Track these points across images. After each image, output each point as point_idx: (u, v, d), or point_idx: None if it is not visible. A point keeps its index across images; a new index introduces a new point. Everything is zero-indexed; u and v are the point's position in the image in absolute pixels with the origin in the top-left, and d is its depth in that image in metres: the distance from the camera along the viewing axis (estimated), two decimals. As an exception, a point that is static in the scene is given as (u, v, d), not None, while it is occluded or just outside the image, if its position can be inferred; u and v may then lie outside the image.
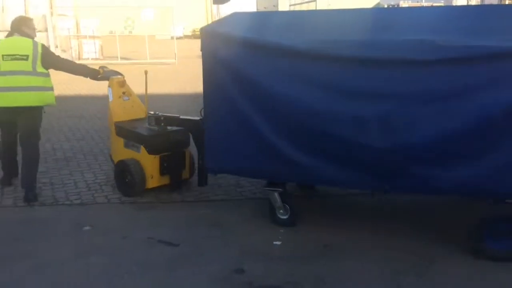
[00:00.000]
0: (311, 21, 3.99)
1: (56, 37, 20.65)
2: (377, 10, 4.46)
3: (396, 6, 41.03)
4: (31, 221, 4.27)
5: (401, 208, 4.55)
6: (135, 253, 3.65)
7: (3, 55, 4.53)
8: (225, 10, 45.07)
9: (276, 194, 4.08)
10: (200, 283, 3.26)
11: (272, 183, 4.12)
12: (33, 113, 4.71)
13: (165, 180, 4.83)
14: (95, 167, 5.80)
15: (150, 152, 4.69)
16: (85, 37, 22.02)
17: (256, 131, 3.83)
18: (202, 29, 4.05)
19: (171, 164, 4.79)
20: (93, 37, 22.17)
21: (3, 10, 21.15)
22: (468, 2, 25.60)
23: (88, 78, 5.15)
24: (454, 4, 26.77)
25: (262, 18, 4.40)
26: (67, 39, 21.62)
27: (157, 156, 4.71)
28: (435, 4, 31.21)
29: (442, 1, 34.75)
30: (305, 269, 3.42)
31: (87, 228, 4.09)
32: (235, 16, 4.11)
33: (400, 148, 3.40)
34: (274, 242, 3.81)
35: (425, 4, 34.95)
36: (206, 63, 4.02)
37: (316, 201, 4.73)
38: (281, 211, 4.12)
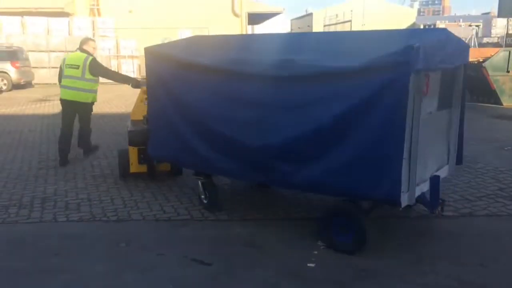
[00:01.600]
0: (224, 43, 4.97)
1: (98, 57, 21.39)
2: (270, 35, 5.48)
3: (432, 26, 40.61)
4: (70, 236, 4.37)
5: (444, 232, 4.41)
6: (169, 271, 3.67)
7: (66, 64, 6.59)
8: (260, 31, 45.67)
9: (199, 182, 4.97)
10: (233, 303, 3.23)
11: (197, 172, 4.99)
12: (82, 106, 6.69)
13: (143, 169, 5.94)
14: (131, 184, 5.90)
15: (129, 144, 5.88)
16: (124, 57, 22.77)
17: (177, 129, 4.77)
18: (144, 48, 5.20)
19: (147, 156, 5.54)
20: (131, 57, 22.89)
21: (48, 32, 22.13)
22: (508, 22, 25.00)
23: (130, 85, 6.49)
24: (493, 24, 26.18)
25: (200, 40, 5.36)
26: (107, 59, 22.39)
27: (135, 148, 5.84)
28: (473, 24, 30.69)
29: (481, 21, 34.09)
30: (339, 293, 3.35)
31: (122, 245, 4.15)
32: (186, 38, 5.20)
33: (267, 147, 4.08)
34: (308, 264, 3.75)
35: (462, 24, 34.38)
36: (147, 75, 5.16)
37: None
38: (202, 196, 4.96)
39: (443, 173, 4.40)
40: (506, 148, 7.90)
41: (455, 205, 5.07)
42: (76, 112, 6.80)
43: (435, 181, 3.96)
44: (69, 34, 22.19)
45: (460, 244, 4.15)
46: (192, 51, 4.79)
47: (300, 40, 4.73)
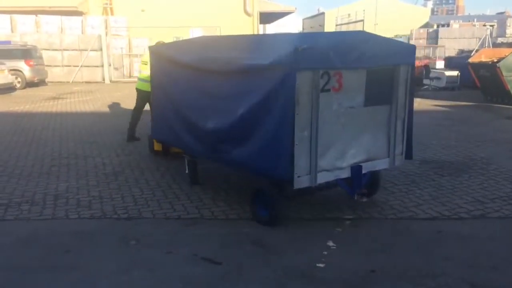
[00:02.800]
0: (206, 43, 5.80)
1: (110, 55, 21.52)
2: (221, 37, 6.61)
3: (446, 25, 40.21)
4: (81, 233, 4.40)
5: (456, 234, 4.37)
6: (178, 270, 3.68)
7: (141, 61, 8.52)
8: (272, 30, 45.62)
9: (186, 160, 5.80)
10: (241, 303, 3.23)
11: (184, 152, 5.84)
12: (145, 94, 7.92)
13: (160, 147, 7.01)
14: (141, 182, 5.94)
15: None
16: (136, 55, 22.86)
17: (167, 116, 5.80)
18: (149, 47, 6.53)
19: None
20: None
21: (62, 30, 22.33)
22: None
23: None
24: (508, 24, 25.82)
25: (195, 40, 6.54)
26: (119, 57, 22.52)
27: None
28: (487, 24, 30.29)
29: (495, 21, 33.66)
30: (349, 294, 3.33)
31: (132, 242, 4.18)
32: (187, 39, 6.57)
33: (213, 130, 4.90)
34: (317, 264, 3.74)
35: (476, 23, 33.96)
36: (151, 71, 6.37)
37: (365, 224, 4.62)
38: (187, 171, 5.83)
39: (381, 165, 4.84)
40: (520, 150, 7.79)
41: (467, 207, 5.02)
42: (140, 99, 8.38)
43: (356, 169, 4.51)
44: (82, 33, 22.34)
45: (472, 247, 4.11)
46: (182, 50, 5.70)
47: (241, 40, 5.51)
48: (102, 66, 21.23)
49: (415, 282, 3.47)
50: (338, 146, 4.42)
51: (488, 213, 4.88)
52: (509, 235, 4.39)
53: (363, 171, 4.62)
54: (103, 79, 21.20)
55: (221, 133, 4.81)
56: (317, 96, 4.12)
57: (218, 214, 4.83)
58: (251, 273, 3.62)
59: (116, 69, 22.01)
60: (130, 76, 22.60)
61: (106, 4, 26.05)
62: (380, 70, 4.56)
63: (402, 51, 4.74)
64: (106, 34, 21.82)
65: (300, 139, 4.11)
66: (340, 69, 4.22)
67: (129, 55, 23.07)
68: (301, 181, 4.22)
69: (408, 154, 5.05)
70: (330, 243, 4.11)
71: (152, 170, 6.46)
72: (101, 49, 21.20)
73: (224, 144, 4.81)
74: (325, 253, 3.94)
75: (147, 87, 7.75)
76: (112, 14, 25.73)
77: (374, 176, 5.08)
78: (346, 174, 4.53)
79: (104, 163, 6.89)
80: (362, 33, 4.73)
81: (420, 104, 14.07)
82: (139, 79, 8.31)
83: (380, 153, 4.79)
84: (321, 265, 3.74)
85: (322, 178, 4.37)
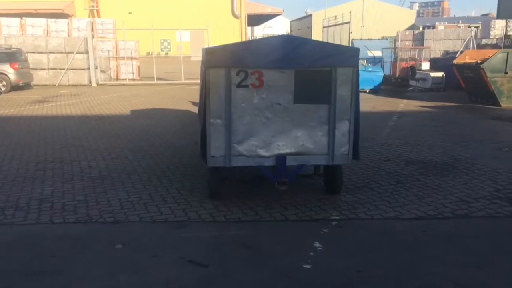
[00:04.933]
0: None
1: (96, 58, 21.34)
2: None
3: (431, 27, 40.65)
4: (66, 237, 4.36)
5: (441, 233, 4.42)
6: (164, 273, 3.67)
7: None
8: (259, 32, 45.69)
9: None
10: (228, 305, 3.22)
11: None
12: None
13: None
14: (128, 185, 5.91)
15: None
16: (123, 58, 22.71)
17: (201, 105, 6.28)
18: (202, 49, 6.90)
19: None
20: (131, 58, 22.84)
21: (47, 33, 22.12)
22: (506, 23, 25.00)
23: None
24: (492, 26, 26.17)
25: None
26: (106, 60, 22.34)
27: None
28: (472, 25, 30.71)
29: (480, 22, 34.11)
30: (335, 294, 3.34)
31: (119, 246, 4.15)
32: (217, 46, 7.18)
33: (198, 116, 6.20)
34: (304, 265, 3.75)
35: (461, 25, 34.38)
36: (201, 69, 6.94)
37: (352, 225, 4.65)
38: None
39: (317, 160, 5.12)
40: (503, 150, 7.91)
41: (452, 207, 5.07)
42: None
43: (280, 160, 4.91)
44: (68, 35, 22.15)
45: (457, 246, 4.15)
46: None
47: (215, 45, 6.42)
48: (89, 69, 21.06)
49: (401, 282, 3.50)
50: (261, 136, 4.89)
51: (472, 212, 4.95)
52: (493, 234, 4.45)
53: (294, 163, 5.00)
54: (90, 82, 21.00)
55: (199, 119, 5.93)
56: (229, 91, 4.73)
57: (205, 216, 4.83)
58: (238, 275, 3.62)
59: (103, 71, 21.83)
60: (117, 79, 22.45)
61: (93, 6, 25.94)
62: (313, 71, 4.82)
63: (340, 53, 4.93)
64: (93, 37, 21.63)
65: (213, 126, 4.80)
66: (257, 68, 4.73)
67: (116, 57, 22.89)
68: (215, 161, 4.88)
69: (355, 155, 5.18)
70: (317, 244, 4.13)
71: (139, 173, 6.43)
72: (87, 52, 21.01)
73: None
74: (312, 254, 3.95)
75: None
76: (98, 16, 25.59)
77: (334, 173, 5.30)
78: (270, 162, 4.97)
79: (90, 167, 6.83)
80: (287, 36, 5.08)
81: (406, 105, 14.20)
82: None
83: (315, 149, 5.01)
84: (307, 266, 3.75)
85: (240, 162, 4.93)
